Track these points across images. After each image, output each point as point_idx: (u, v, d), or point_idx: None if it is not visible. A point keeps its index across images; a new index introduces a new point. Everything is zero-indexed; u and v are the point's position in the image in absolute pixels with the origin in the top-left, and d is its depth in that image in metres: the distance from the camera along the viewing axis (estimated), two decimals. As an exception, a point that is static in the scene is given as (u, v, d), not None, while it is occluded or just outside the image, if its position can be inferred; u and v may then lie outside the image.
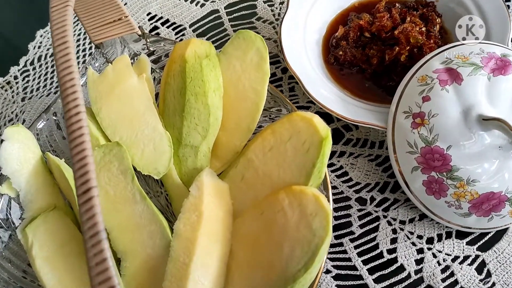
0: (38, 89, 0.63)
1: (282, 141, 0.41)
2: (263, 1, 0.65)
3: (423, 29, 0.50)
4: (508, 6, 0.55)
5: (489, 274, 0.44)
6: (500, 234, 0.46)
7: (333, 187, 0.50)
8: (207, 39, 0.63)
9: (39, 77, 0.64)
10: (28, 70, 0.65)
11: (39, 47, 0.66)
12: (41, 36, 0.67)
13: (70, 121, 0.27)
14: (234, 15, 0.64)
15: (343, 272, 0.46)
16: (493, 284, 0.44)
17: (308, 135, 0.40)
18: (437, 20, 0.51)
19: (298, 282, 0.35)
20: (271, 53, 0.59)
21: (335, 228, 0.48)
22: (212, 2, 0.66)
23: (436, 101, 0.42)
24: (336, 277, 0.46)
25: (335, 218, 0.48)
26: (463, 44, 0.45)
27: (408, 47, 0.49)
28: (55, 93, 0.62)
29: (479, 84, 0.41)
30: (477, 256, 0.45)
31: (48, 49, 0.66)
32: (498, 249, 0.45)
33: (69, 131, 0.26)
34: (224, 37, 0.63)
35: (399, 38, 0.49)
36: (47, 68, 0.65)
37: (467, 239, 0.46)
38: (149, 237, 0.41)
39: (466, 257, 0.45)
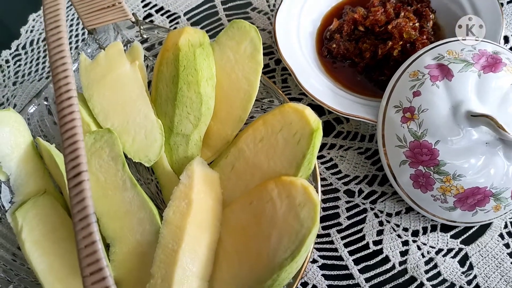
0: (29, 73, 0.63)
1: (273, 132, 0.42)
2: (259, -9, 0.65)
3: (417, 24, 0.50)
4: (502, 4, 0.56)
5: (471, 267, 0.45)
6: (483, 228, 0.47)
7: (323, 179, 0.50)
8: (202, 28, 0.63)
9: (31, 61, 0.64)
10: (20, 54, 0.65)
11: (31, 31, 0.66)
12: (33, 20, 0.67)
13: (61, 105, 0.27)
14: (229, 4, 0.64)
15: (329, 262, 0.47)
16: (475, 276, 0.45)
17: (299, 127, 0.40)
18: (431, 16, 0.51)
19: (284, 270, 0.36)
20: (265, 44, 0.59)
21: (323, 219, 0.49)
22: (207, -10, 0.66)
23: (426, 97, 0.42)
24: (323, 267, 0.46)
25: (323, 209, 0.49)
26: (455, 40, 0.45)
27: (401, 42, 0.49)
28: (47, 78, 0.62)
29: (469, 81, 0.42)
30: (460, 249, 0.46)
31: (40, 34, 0.66)
32: (481, 243, 0.46)
33: (60, 115, 0.27)
34: (219, 27, 0.63)
35: (392, 33, 0.49)
36: (39, 52, 0.64)
37: (451, 233, 0.47)
38: (139, 224, 0.42)
39: (449, 250, 0.46)
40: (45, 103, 0.49)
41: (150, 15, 0.66)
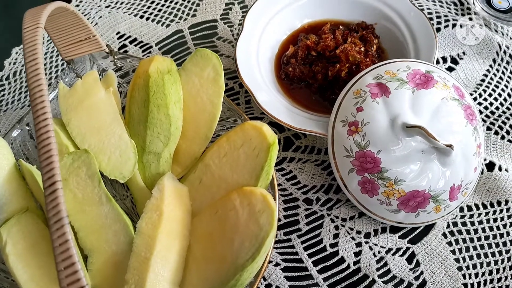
0: (13, 102, 0.65)
1: (236, 148, 0.45)
2: (224, 22, 0.69)
3: (362, 49, 0.55)
4: (438, 29, 0.63)
5: (418, 264, 0.49)
6: (428, 228, 0.51)
7: (283, 189, 0.54)
8: (172, 57, 0.66)
9: (14, 91, 0.66)
10: (3, 85, 0.67)
11: (14, 63, 0.69)
12: (16, 53, 0.69)
13: (38, 126, 0.31)
14: (197, 34, 0.68)
15: (290, 264, 0.50)
16: (421, 272, 0.49)
17: (258, 142, 0.44)
18: (375, 41, 0.57)
19: (246, 270, 0.39)
20: (230, 69, 0.63)
21: (284, 225, 0.52)
22: (176, 22, 0.70)
23: (368, 112, 0.47)
24: (285, 269, 0.50)
25: (285, 217, 0.53)
26: (393, 62, 0.51)
27: (348, 65, 0.54)
28: (28, 106, 0.64)
29: (404, 97, 0.47)
30: (407, 248, 0.50)
31: (23, 65, 0.68)
32: (426, 241, 0.50)
33: (38, 133, 0.30)
34: (188, 55, 0.66)
35: (340, 57, 0.55)
36: (21, 83, 0.67)
37: (399, 233, 0.51)
38: (114, 235, 0.44)
39: (398, 249, 0.50)
40: (27, 128, 0.52)
41: (124, 45, 0.69)
